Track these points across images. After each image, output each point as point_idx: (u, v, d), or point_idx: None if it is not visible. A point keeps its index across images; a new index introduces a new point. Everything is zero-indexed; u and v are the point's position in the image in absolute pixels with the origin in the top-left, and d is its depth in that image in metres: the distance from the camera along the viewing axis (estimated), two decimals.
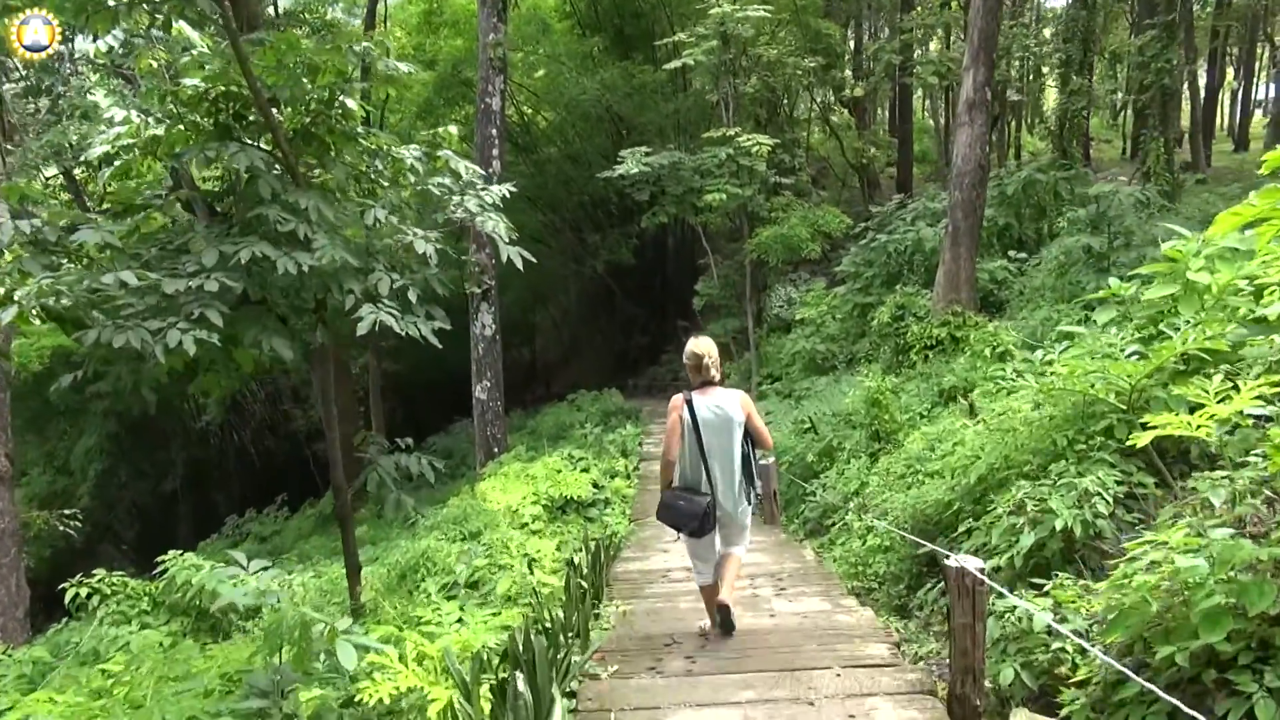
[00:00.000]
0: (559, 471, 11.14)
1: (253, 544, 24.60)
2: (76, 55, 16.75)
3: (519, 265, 6.77)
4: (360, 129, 6.81)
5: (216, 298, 5.72)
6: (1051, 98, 35.53)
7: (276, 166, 6.30)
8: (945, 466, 5.91)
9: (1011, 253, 14.41)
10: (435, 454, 25.45)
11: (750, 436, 5.08)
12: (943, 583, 5.65)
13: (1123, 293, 5.42)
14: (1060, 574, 4.15)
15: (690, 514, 4.87)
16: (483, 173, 7.23)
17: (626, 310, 30.18)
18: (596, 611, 4.85)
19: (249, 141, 6.44)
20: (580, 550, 7.17)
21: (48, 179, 21.59)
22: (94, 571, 10.12)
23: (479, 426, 17.19)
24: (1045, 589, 4.05)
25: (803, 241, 17.64)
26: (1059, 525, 4.24)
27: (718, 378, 5.13)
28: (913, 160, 30.45)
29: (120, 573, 10.63)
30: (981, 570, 3.61)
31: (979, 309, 12.86)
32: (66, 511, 20.77)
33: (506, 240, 6.81)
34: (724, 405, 4.99)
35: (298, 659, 4.16)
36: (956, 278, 12.64)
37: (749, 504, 5.10)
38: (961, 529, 5.26)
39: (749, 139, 17.61)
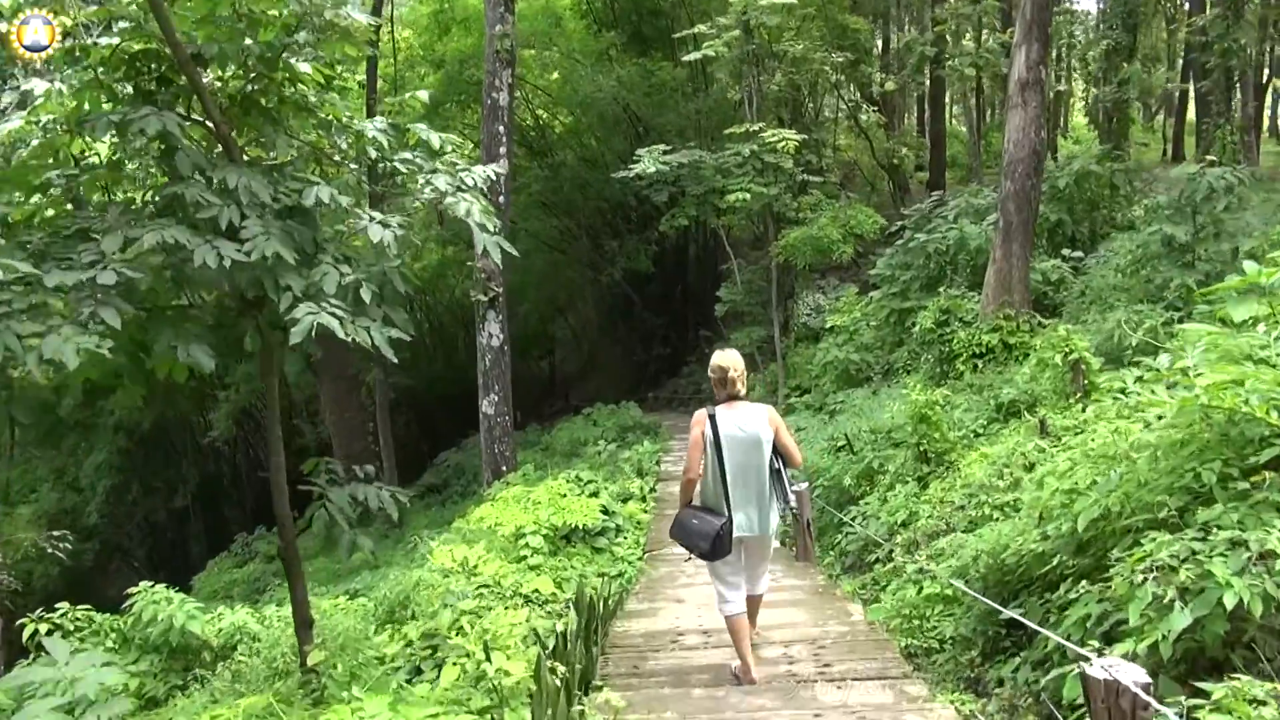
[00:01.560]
0: (563, 496, 9.92)
1: (260, 564, 23.70)
2: None
3: (496, 258, 5.62)
4: (314, 97, 5.68)
5: (117, 294, 4.59)
6: (1082, 91, 34.03)
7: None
8: (1030, 503, 4.65)
9: (1065, 251, 13.08)
10: (447, 471, 24.47)
11: (779, 454, 4.85)
12: (1033, 655, 4.38)
13: (1268, 279, 4.15)
14: (1235, 674, 2.89)
15: (702, 534, 4.66)
16: (491, 175, 6.04)
17: (646, 320, 29.01)
18: (581, 708, 3.66)
19: (181, 113, 5.34)
20: (565, 611, 5.94)
21: None
22: (56, 605, 9.24)
23: (486, 443, 16.02)
24: (1216, 698, 2.79)
25: (833, 243, 16.36)
26: (1228, 599, 2.98)
27: (743, 392, 4.90)
28: (945, 162, 29.10)
29: (86, 607, 9.68)
30: (1147, 688, 2.36)
31: (1033, 312, 11.55)
32: (56, 533, 19.87)
33: (488, 230, 5.63)
34: (750, 421, 4.76)
35: None
36: (1008, 278, 11.34)
37: (781, 519, 4.94)
38: (1064, 591, 3.99)
39: (774, 134, 16.38)
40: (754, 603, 4.93)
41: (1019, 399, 8.58)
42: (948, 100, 32.23)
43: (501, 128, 16.10)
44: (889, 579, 7.18)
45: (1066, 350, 7.46)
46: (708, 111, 23.39)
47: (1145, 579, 3.26)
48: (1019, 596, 4.85)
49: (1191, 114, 31.40)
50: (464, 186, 5.69)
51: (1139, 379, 5.01)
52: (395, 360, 5.15)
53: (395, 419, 32.99)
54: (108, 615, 9.23)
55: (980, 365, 11.15)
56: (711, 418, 4.77)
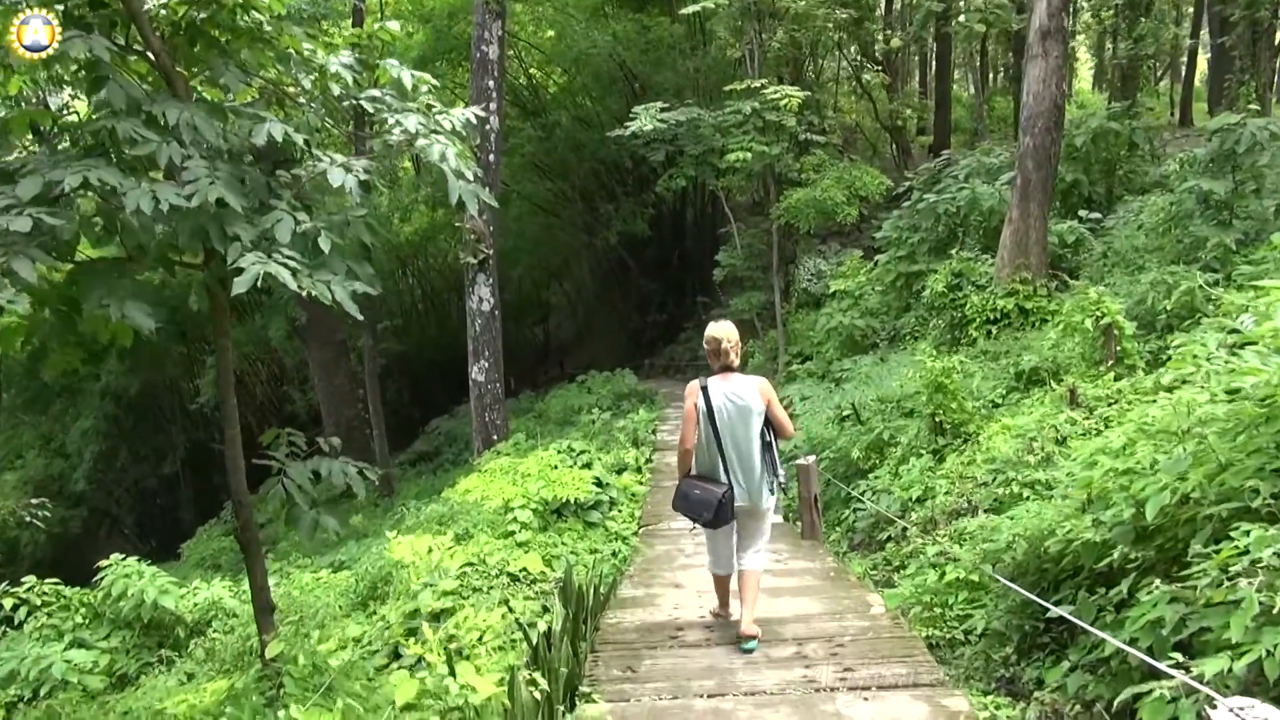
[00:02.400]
0: (554, 468, 9.36)
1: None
2: None
3: (473, 208, 5.04)
4: (271, 26, 5.04)
5: (35, 244, 4.01)
6: (1088, 52, 33.12)
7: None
8: (1079, 484, 4.09)
9: (1082, 212, 12.45)
10: (439, 438, 23.93)
11: (771, 426, 4.85)
12: (1082, 658, 3.85)
13: None
14: None
15: (705, 503, 4.69)
16: (472, 118, 5.42)
17: (643, 286, 28.32)
18: None
19: (120, 43, 4.72)
20: (553, 591, 5.40)
21: None
22: (22, 579, 8.81)
23: (476, 411, 15.45)
24: None
25: (837, 205, 15.67)
26: None
27: (737, 363, 4.92)
28: (951, 125, 28.28)
29: (55, 581, 9.23)
30: None
31: (1050, 275, 10.96)
32: (35, 501, 19.37)
33: (465, 177, 5.02)
34: (742, 393, 4.78)
35: None
36: (1025, 239, 10.73)
37: (772, 494, 4.87)
38: (1124, 588, 3.44)
39: (776, 90, 15.63)
40: (749, 580, 4.83)
41: (1041, 366, 8.02)
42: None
43: (491, 82, 15.36)
44: (904, 559, 6.67)
45: (1098, 314, 6.89)
46: (706, 70, 22.56)
47: (1239, 580, 2.71)
48: (1060, 588, 4.32)
49: (1199, 80, 30.62)
50: (440, 129, 5.07)
51: (1225, 345, 4.41)
52: (360, 317, 4.58)
53: (386, 386, 32.37)
54: (78, 589, 8.82)
55: (995, 331, 10.59)
56: (704, 389, 4.79)
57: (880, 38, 25.21)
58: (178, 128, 4.29)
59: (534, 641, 4.06)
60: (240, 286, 3.93)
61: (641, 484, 11.26)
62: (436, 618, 7.05)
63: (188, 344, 31.83)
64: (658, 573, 6.31)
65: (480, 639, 4.58)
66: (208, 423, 33.80)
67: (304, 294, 4.25)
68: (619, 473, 11.30)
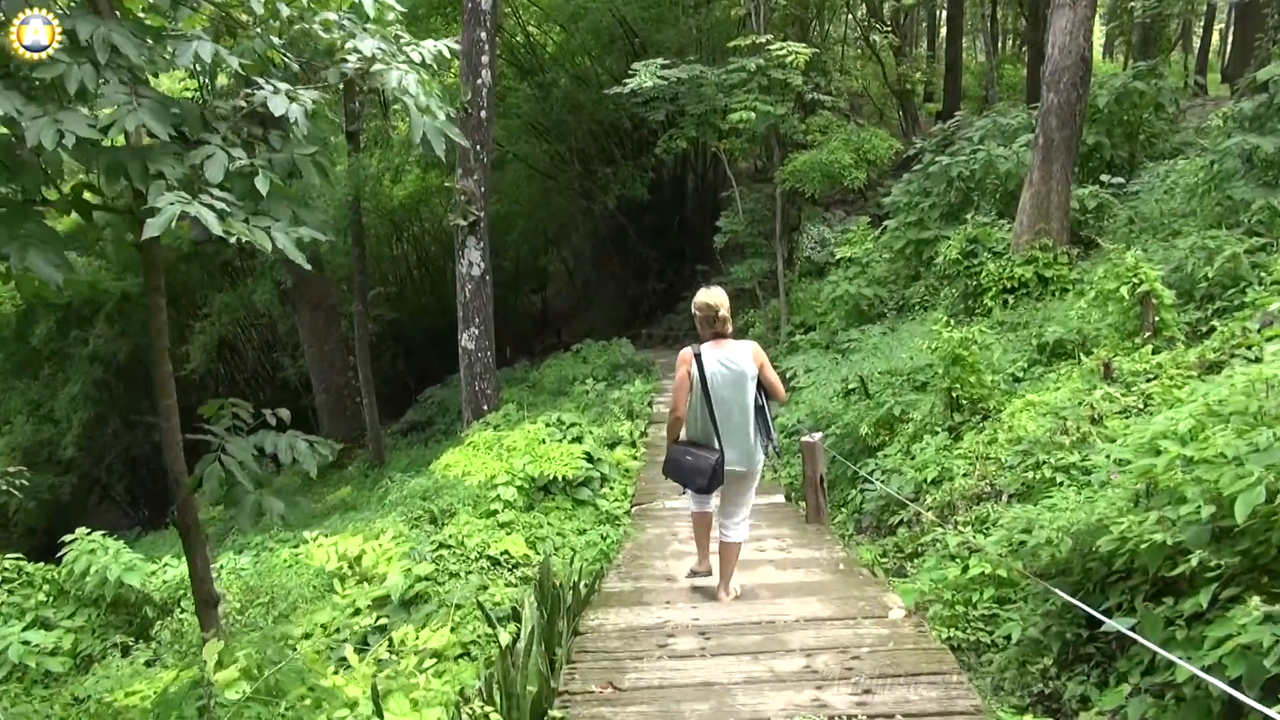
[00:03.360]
0: (542, 443, 8.76)
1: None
2: None
3: (439, 149, 4.33)
4: None
5: None
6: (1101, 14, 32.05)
7: None
8: (1139, 472, 3.49)
9: (1104, 177, 11.76)
10: (432, 408, 23.38)
11: (764, 390, 4.90)
12: (1141, 677, 3.28)
13: None
14: None
15: (697, 470, 4.75)
16: (445, 51, 4.73)
17: (641, 254, 27.60)
18: None
19: None
20: (534, 577, 4.80)
21: None
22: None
23: (466, 380, 14.86)
24: None
25: (845, 168, 14.96)
26: None
27: (729, 330, 4.94)
28: (961, 89, 27.43)
29: (17, 555, 8.84)
30: None
31: (1072, 241, 10.32)
32: (12, 469, 18.76)
33: (431, 112, 4.37)
34: (735, 358, 4.80)
35: None
36: (1046, 203, 10.07)
37: (764, 455, 4.96)
38: (1199, 599, 2.86)
39: (782, 46, 14.85)
40: (729, 552, 4.99)
41: (1067, 338, 7.40)
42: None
43: (484, 34, 14.59)
44: (918, 547, 6.11)
45: (1135, 280, 6.26)
46: (709, 29, 21.72)
47: None
48: (1107, 592, 3.74)
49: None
50: (406, 58, 4.42)
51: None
52: (308, 266, 3.95)
53: (381, 353, 31.75)
54: (41, 565, 8.39)
55: (1011, 301, 9.96)
56: (697, 356, 4.77)
57: None
58: (92, 46, 3.66)
59: (501, 649, 3.47)
60: (152, 230, 3.33)
61: (635, 459, 10.70)
62: (407, 605, 6.52)
63: (179, 308, 31.25)
64: (648, 561, 5.73)
65: (432, 656, 3.98)
66: (200, 388, 33.28)
67: (237, 240, 3.64)
68: (612, 447, 10.74)
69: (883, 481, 7.24)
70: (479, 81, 14.54)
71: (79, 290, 27.35)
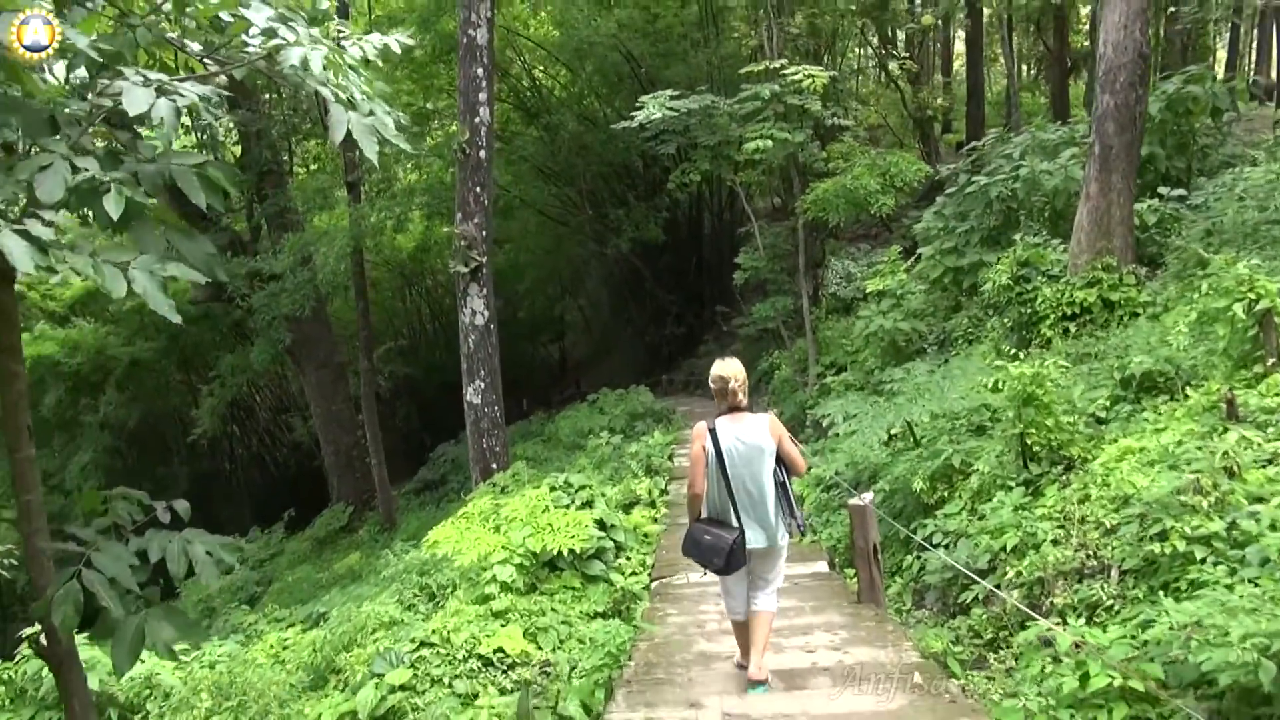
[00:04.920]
0: (545, 510, 7.63)
1: (245, 571, 21.84)
2: None
3: (370, 152, 3.23)
4: None
5: None
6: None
7: None
8: None
9: (1162, 190, 10.63)
10: (445, 465, 22.25)
11: (784, 464, 4.70)
12: None
13: None
14: None
15: (715, 550, 4.54)
16: (394, 45, 3.67)
17: (658, 298, 26.63)
18: None
19: None
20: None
21: None
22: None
23: (473, 438, 13.77)
24: None
25: (871, 194, 13.90)
26: None
27: (745, 402, 4.76)
28: (984, 115, 26.46)
29: None
30: None
31: (1137, 260, 9.16)
32: (2, 548, 17.86)
33: (354, 105, 3.33)
34: (751, 433, 4.63)
35: None
36: (1106, 218, 8.94)
37: (789, 533, 4.75)
38: None
39: (798, 70, 13.92)
40: (760, 621, 4.72)
41: (1157, 369, 6.22)
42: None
43: (480, 70, 13.77)
44: (1000, 635, 4.91)
45: (1252, 297, 5.11)
46: (720, 63, 20.96)
47: None
48: None
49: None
50: (318, 38, 3.41)
51: None
52: (179, 320, 2.88)
53: (394, 409, 30.89)
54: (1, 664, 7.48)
55: (1073, 329, 8.80)
56: (712, 431, 4.65)
57: (907, 16, 23.57)
58: None
59: None
60: None
61: (655, 521, 9.56)
62: None
63: (189, 371, 30.60)
64: (668, 676, 4.55)
65: None
66: (212, 453, 32.49)
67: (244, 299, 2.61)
68: (628, 509, 9.61)
69: (947, 548, 6.05)
70: (477, 120, 13.70)
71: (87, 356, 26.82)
